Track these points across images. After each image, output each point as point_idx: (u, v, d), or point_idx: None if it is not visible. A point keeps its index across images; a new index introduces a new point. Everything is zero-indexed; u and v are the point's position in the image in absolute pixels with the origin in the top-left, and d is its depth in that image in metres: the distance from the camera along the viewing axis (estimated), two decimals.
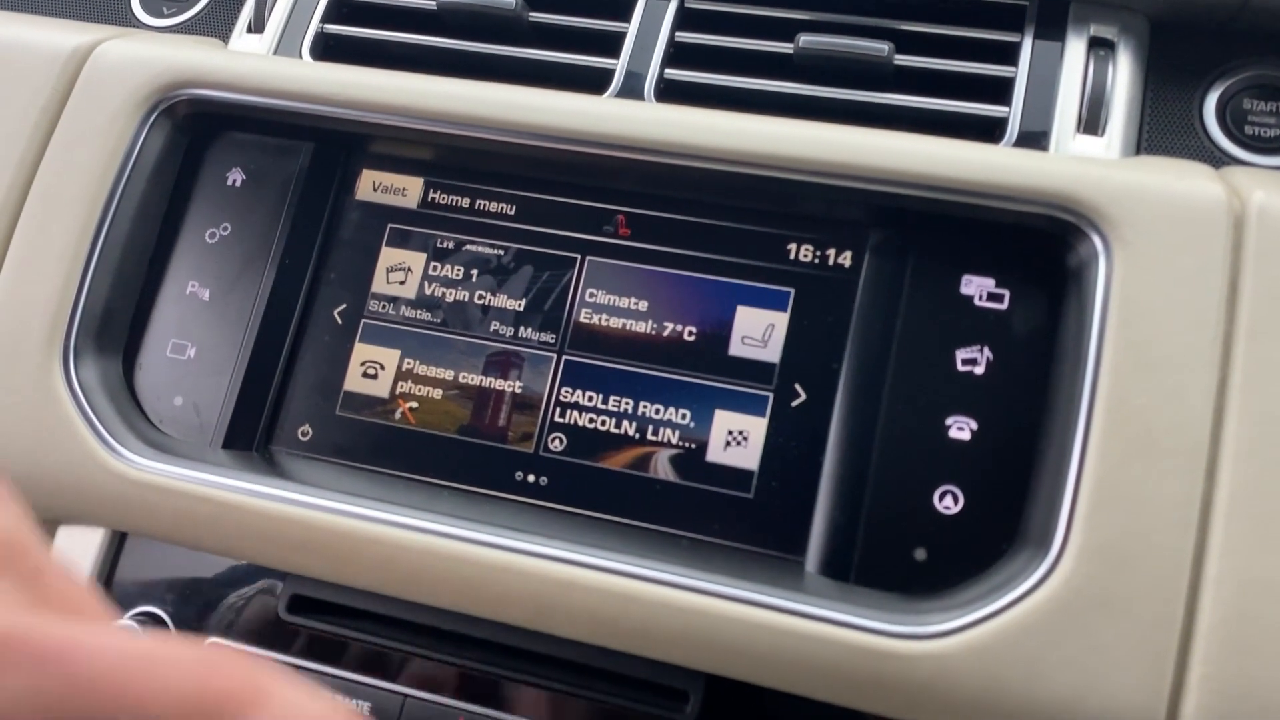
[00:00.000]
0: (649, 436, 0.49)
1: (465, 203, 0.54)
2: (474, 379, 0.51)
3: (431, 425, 0.51)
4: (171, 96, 0.54)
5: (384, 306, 0.53)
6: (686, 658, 0.44)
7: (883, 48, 0.54)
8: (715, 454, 0.48)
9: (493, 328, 0.52)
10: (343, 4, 0.63)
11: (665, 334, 0.50)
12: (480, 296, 0.52)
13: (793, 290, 0.49)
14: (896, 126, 0.53)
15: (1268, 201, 0.44)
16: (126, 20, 0.71)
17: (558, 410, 0.50)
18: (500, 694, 0.52)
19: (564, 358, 0.51)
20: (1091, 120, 0.53)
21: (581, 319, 0.51)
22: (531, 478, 0.50)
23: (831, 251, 0.49)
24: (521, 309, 0.52)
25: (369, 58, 0.60)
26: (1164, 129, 0.56)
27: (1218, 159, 0.56)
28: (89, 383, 0.51)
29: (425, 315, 0.52)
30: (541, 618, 0.45)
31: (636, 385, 0.49)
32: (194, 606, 0.53)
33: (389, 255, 0.54)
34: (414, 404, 0.51)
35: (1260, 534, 0.40)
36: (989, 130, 0.54)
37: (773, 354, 0.49)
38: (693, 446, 0.48)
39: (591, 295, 0.51)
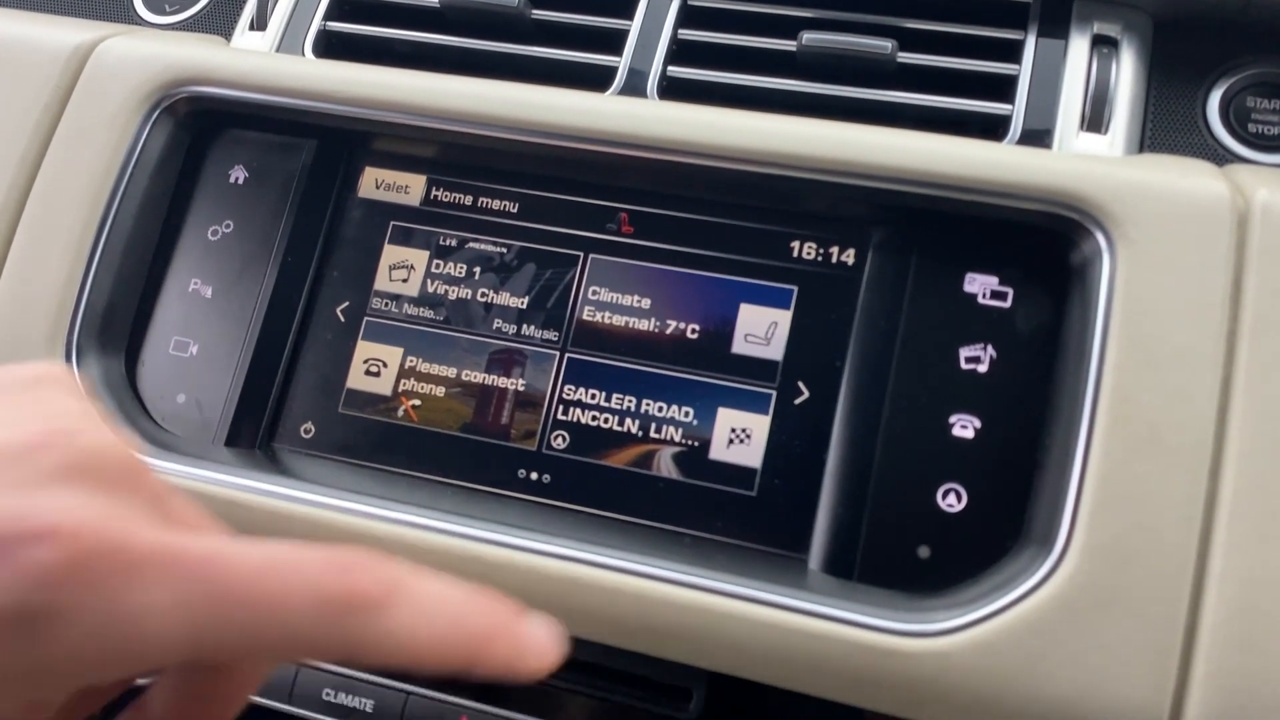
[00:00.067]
0: (652, 434, 0.49)
1: (468, 200, 0.53)
2: (477, 377, 0.51)
3: (434, 423, 0.51)
4: (174, 94, 0.54)
5: (386, 304, 0.53)
6: (689, 655, 0.44)
7: (886, 45, 0.54)
8: (718, 452, 0.48)
9: (495, 325, 0.52)
10: (345, 1, 0.63)
11: (668, 332, 0.50)
12: (483, 294, 0.52)
13: (796, 288, 0.49)
14: (899, 124, 0.53)
15: (1271, 199, 0.43)
16: (129, 18, 0.71)
17: (560, 408, 0.50)
18: (502, 692, 0.52)
19: (567, 355, 0.51)
20: (1095, 118, 0.53)
21: (584, 317, 0.51)
22: (534, 475, 0.50)
23: (834, 249, 0.49)
24: (524, 307, 0.52)
25: (371, 55, 0.60)
26: (1167, 127, 0.56)
27: (1221, 157, 0.56)
28: (91, 380, 0.51)
29: (428, 313, 0.52)
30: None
31: (639, 383, 0.49)
32: None
33: (391, 253, 0.54)
34: (416, 402, 0.51)
35: (1264, 531, 0.40)
36: (992, 128, 0.54)
37: (776, 352, 0.49)
38: (695, 444, 0.48)
39: (594, 293, 0.51)
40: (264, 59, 0.55)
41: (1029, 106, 0.54)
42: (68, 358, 0.51)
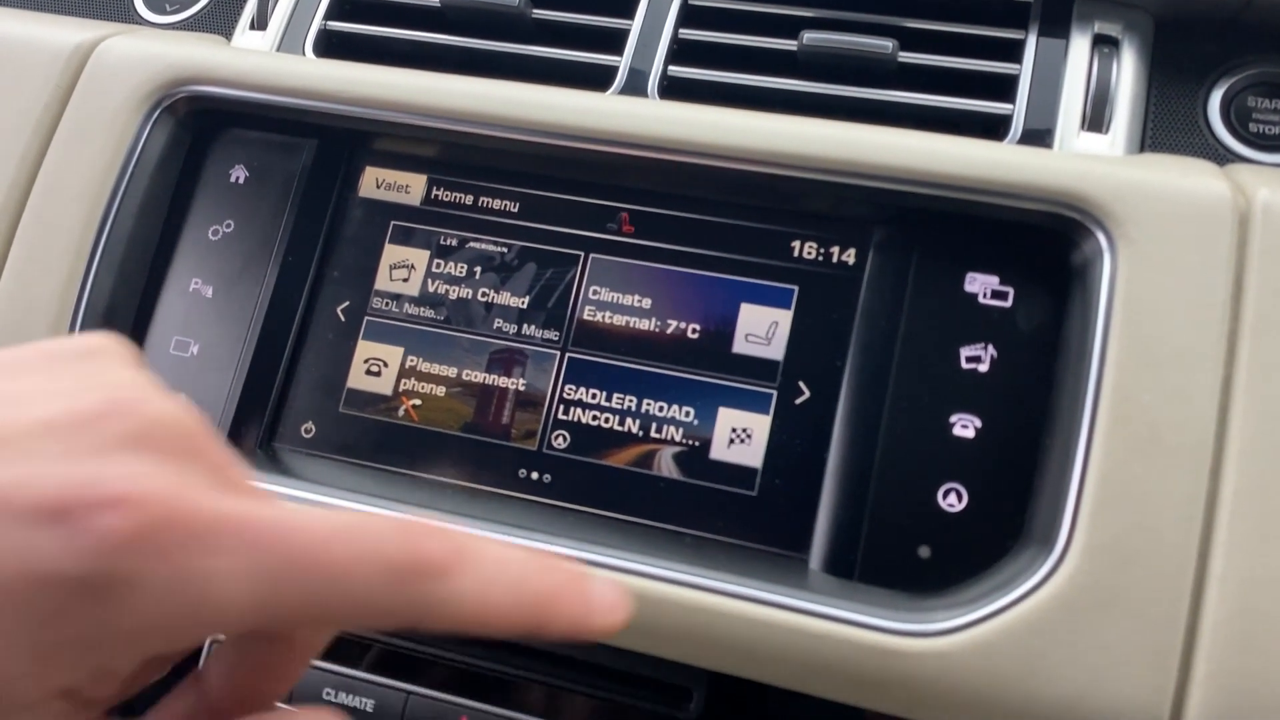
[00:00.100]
0: (652, 434, 0.49)
1: (468, 200, 0.53)
2: (477, 376, 0.51)
3: (435, 422, 0.51)
4: (174, 93, 0.54)
5: (387, 304, 0.53)
6: (689, 655, 0.44)
7: (887, 45, 0.54)
8: (719, 451, 0.48)
9: (496, 325, 0.52)
10: (345, 1, 0.63)
11: (669, 331, 0.50)
12: (483, 294, 0.52)
13: (796, 288, 0.49)
14: (900, 124, 0.53)
15: (1272, 199, 0.43)
16: (129, 17, 0.71)
17: (561, 407, 0.50)
18: (503, 691, 0.52)
19: (567, 355, 0.51)
20: (1096, 118, 0.53)
21: (585, 316, 0.51)
22: (535, 475, 0.50)
23: (835, 249, 0.49)
24: (525, 306, 0.52)
25: (372, 55, 0.60)
26: (1168, 126, 0.56)
27: (1222, 156, 0.56)
28: None
29: (428, 312, 0.52)
30: None
31: (640, 383, 0.49)
32: None
33: (392, 252, 0.54)
34: (417, 401, 0.51)
35: (1265, 531, 0.40)
36: (993, 128, 0.54)
37: (776, 351, 0.49)
38: (696, 444, 0.48)
39: (595, 293, 0.51)
40: (265, 58, 0.55)
41: (1030, 106, 0.54)
42: None
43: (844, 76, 0.55)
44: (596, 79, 0.58)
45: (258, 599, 0.22)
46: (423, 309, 0.53)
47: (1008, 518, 0.44)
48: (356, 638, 0.52)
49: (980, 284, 0.47)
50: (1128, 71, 0.55)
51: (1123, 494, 0.41)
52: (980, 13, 0.56)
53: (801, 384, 0.48)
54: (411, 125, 0.52)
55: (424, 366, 0.52)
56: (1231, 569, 0.39)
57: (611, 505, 0.48)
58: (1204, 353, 0.41)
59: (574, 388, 0.50)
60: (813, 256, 0.49)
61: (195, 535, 0.21)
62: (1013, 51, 0.55)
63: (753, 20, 0.59)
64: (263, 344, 0.53)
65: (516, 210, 0.53)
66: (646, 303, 0.50)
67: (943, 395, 0.46)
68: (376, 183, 0.55)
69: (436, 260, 0.53)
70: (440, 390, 0.51)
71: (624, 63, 0.58)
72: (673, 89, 0.57)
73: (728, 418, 0.48)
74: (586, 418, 0.50)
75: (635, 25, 0.59)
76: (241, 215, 0.55)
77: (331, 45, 0.62)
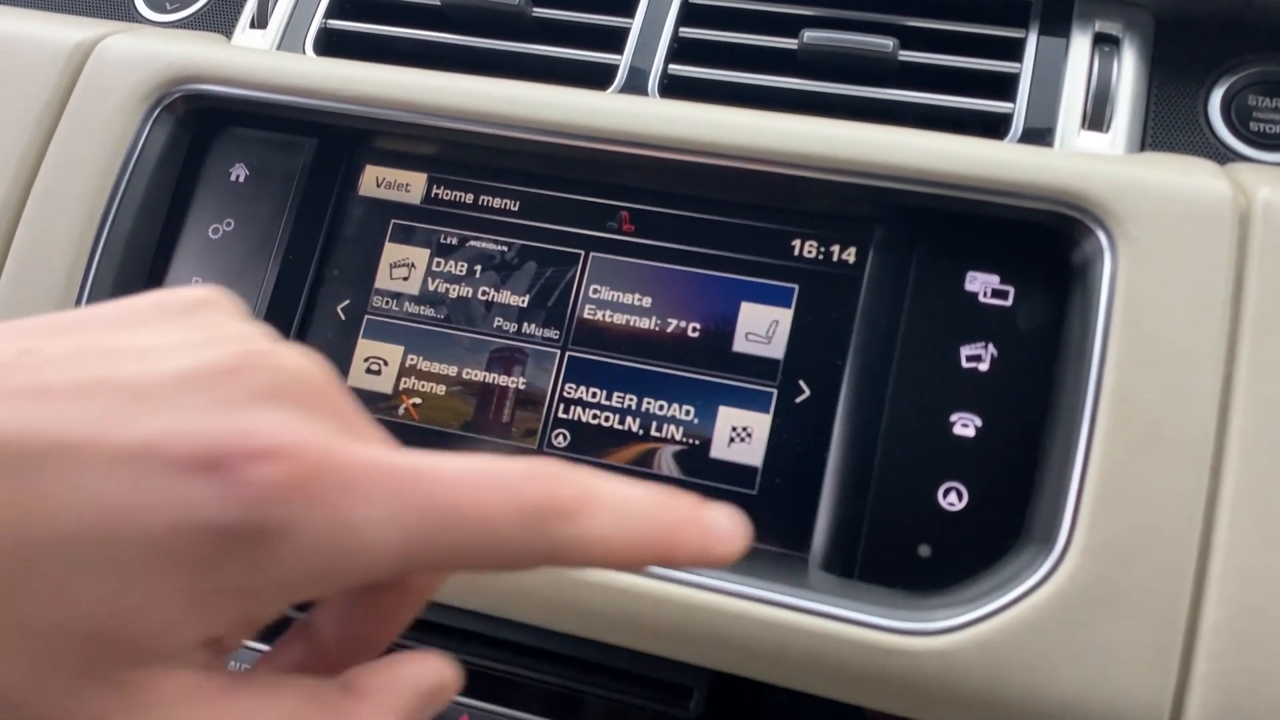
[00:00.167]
0: (652, 433, 0.49)
1: (469, 198, 0.53)
2: (477, 375, 0.51)
3: (435, 421, 0.51)
4: (174, 92, 0.54)
5: (387, 302, 0.53)
6: (690, 653, 0.44)
7: (887, 43, 0.54)
8: (719, 450, 0.48)
9: (496, 324, 0.52)
10: None
11: (669, 330, 0.50)
12: (484, 292, 0.52)
13: (797, 286, 0.49)
14: (901, 123, 0.53)
15: (1273, 198, 0.43)
16: (130, 16, 0.71)
17: (561, 406, 0.50)
18: (504, 690, 0.52)
19: (567, 354, 0.51)
20: (1096, 116, 0.53)
21: (585, 315, 0.51)
22: None
23: (836, 248, 0.49)
24: (525, 305, 0.52)
25: (372, 53, 0.60)
26: (1169, 125, 0.56)
27: (1222, 155, 0.56)
28: None
29: (428, 311, 0.52)
30: (545, 613, 0.45)
31: (640, 381, 0.49)
32: None
33: (392, 251, 0.54)
34: (417, 400, 0.51)
35: (1265, 530, 0.40)
36: (993, 126, 0.54)
37: (777, 350, 0.48)
38: (696, 443, 0.48)
39: (595, 291, 0.51)
40: (265, 57, 0.55)
41: (1030, 105, 0.54)
42: None
43: (844, 75, 0.55)
44: (597, 78, 0.58)
45: (406, 544, 0.22)
46: (423, 308, 0.53)
47: (1008, 517, 0.44)
48: None
49: (981, 283, 0.47)
50: (1128, 70, 0.55)
51: (1123, 493, 0.41)
52: (981, 11, 0.56)
53: (802, 383, 0.48)
54: (412, 124, 0.52)
55: (424, 365, 0.52)
56: (1232, 568, 0.39)
57: None
58: (1204, 352, 0.41)
59: (574, 386, 0.50)
60: (813, 255, 0.49)
61: (346, 484, 0.22)
62: (1013, 50, 0.55)
63: (753, 19, 0.59)
64: None
65: (517, 209, 0.53)
66: (647, 301, 0.50)
67: (943, 394, 0.46)
68: (377, 181, 0.55)
69: (437, 259, 0.53)
70: (440, 389, 0.51)
71: (624, 61, 0.58)
72: (673, 88, 0.57)
73: (728, 416, 0.48)
74: (587, 416, 0.50)
75: (636, 24, 0.59)
76: (242, 214, 0.55)
77: (332, 44, 0.62)
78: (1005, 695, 0.40)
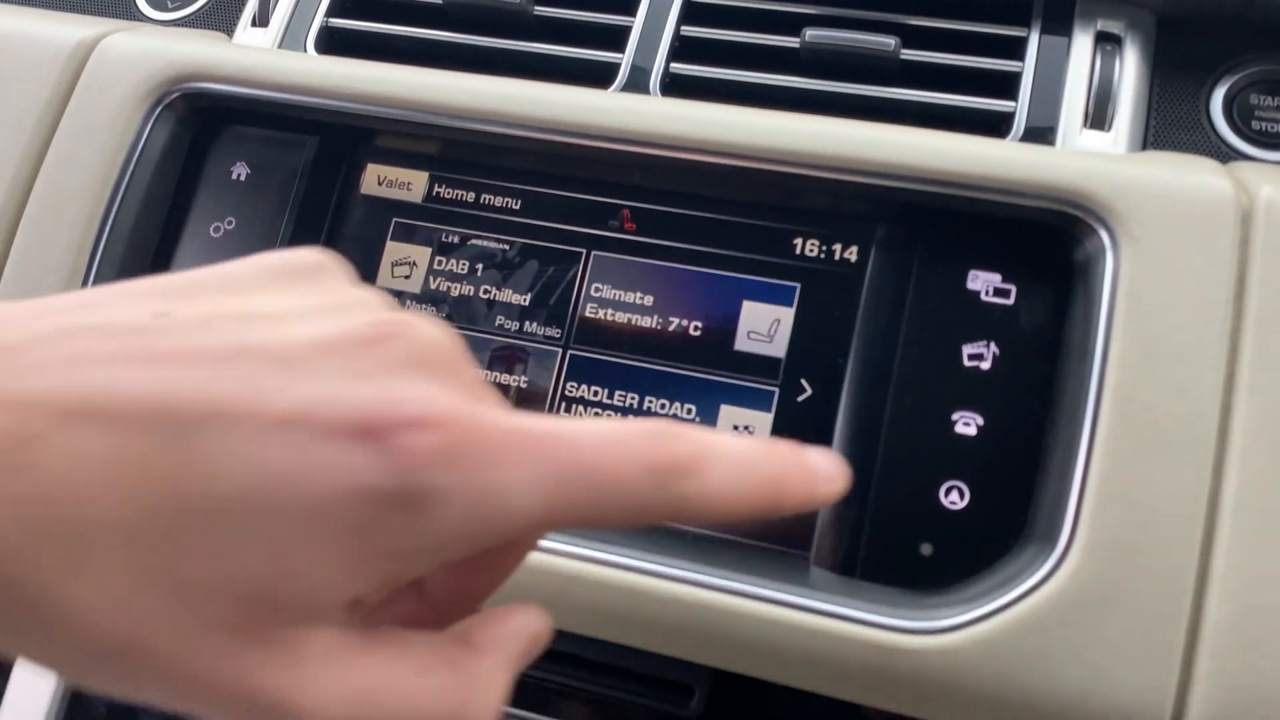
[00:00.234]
0: None
1: (470, 197, 0.53)
2: (479, 373, 0.51)
3: None
4: (176, 90, 0.54)
5: None
6: (691, 652, 0.44)
7: (889, 42, 0.54)
8: None
9: (498, 322, 0.52)
10: None
11: (671, 329, 0.50)
12: (485, 291, 0.52)
13: (799, 285, 0.49)
14: (902, 121, 0.53)
15: (1275, 196, 0.43)
16: (131, 14, 0.71)
17: (563, 405, 0.50)
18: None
19: (569, 352, 0.50)
20: (1098, 115, 0.53)
21: (587, 314, 0.51)
22: None
23: (838, 246, 0.49)
24: (527, 304, 0.51)
25: (374, 52, 0.60)
26: (1171, 124, 0.56)
27: (1225, 154, 0.56)
28: None
29: (430, 310, 0.52)
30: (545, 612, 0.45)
31: (642, 380, 0.49)
32: None
33: (393, 249, 0.54)
34: None
35: (1267, 529, 0.40)
36: (995, 125, 0.54)
37: (778, 349, 0.48)
38: None
39: (597, 290, 0.51)
40: (266, 55, 0.55)
41: (1032, 103, 0.54)
42: None
43: (846, 74, 0.55)
44: (598, 76, 0.58)
45: (549, 505, 0.23)
46: (424, 306, 0.53)
47: (1010, 515, 0.44)
48: None
49: (982, 281, 0.47)
50: (1130, 69, 0.55)
51: (1125, 491, 0.41)
52: (982, 10, 0.56)
53: (803, 381, 0.48)
54: (413, 122, 0.52)
55: None
56: (1234, 566, 0.39)
57: None
58: (1206, 350, 0.41)
59: (576, 385, 0.50)
60: (815, 254, 0.49)
61: (493, 449, 0.23)
62: (1015, 49, 0.55)
63: (755, 17, 0.59)
64: None
65: (518, 207, 0.53)
66: (648, 300, 0.50)
67: (945, 393, 0.46)
68: (378, 179, 0.55)
69: (438, 257, 0.53)
70: None
71: (626, 60, 0.58)
72: (674, 86, 0.57)
73: (729, 415, 0.48)
74: (588, 415, 0.50)
75: (637, 22, 0.59)
76: (243, 212, 0.55)
77: (333, 42, 0.62)
78: (1007, 694, 0.40)
